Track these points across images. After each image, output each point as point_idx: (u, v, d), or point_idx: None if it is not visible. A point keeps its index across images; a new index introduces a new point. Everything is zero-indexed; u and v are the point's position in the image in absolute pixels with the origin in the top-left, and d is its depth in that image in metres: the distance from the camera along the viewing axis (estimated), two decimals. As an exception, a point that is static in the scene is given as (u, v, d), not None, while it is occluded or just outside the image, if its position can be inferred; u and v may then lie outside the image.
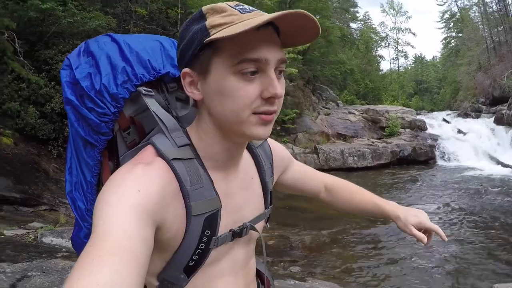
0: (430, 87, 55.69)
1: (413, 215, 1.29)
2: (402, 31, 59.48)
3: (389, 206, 1.35)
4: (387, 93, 43.55)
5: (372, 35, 50.27)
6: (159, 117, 0.95)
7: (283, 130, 17.28)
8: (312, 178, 1.40)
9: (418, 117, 22.17)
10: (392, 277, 5.54)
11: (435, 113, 26.41)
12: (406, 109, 23.37)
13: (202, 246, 0.89)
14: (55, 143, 10.50)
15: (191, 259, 0.90)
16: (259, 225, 1.08)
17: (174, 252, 0.89)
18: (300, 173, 1.34)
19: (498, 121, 21.08)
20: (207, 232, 0.89)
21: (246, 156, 1.07)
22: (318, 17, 23.63)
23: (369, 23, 52.85)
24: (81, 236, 1.08)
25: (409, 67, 65.59)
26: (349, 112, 21.38)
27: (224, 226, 0.94)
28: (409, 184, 12.83)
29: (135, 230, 0.71)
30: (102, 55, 1.05)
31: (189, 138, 0.93)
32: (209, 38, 0.79)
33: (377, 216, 1.40)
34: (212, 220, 0.90)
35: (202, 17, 0.85)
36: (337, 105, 24.40)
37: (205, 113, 0.91)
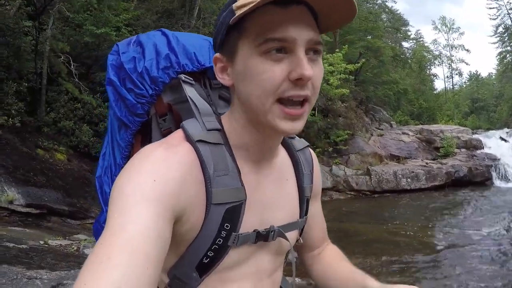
0: (486, 105, 53.49)
1: None
2: (456, 48, 57.61)
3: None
4: (442, 113, 42.18)
5: (425, 54, 49.02)
6: (193, 101, 0.95)
7: (335, 152, 17.01)
8: (321, 227, 1.23)
9: (474, 136, 21.21)
10: None
11: (492, 131, 25.10)
12: (462, 128, 22.51)
13: (219, 241, 0.82)
14: None
15: (205, 255, 0.83)
16: (291, 235, 0.99)
17: (188, 245, 0.83)
18: (317, 211, 1.18)
19: (558, 138, 19.81)
20: (227, 226, 0.82)
21: (284, 156, 1.02)
22: (369, 37, 23.50)
23: (422, 41, 51.75)
24: (101, 220, 1.08)
25: (464, 85, 63.55)
26: (403, 133, 20.81)
27: (248, 223, 0.87)
28: (465, 206, 12.18)
29: (150, 225, 0.67)
30: (149, 43, 1.08)
31: (221, 125, 0.90)
32: (232, 18, 0.76)
33: None
34: (234, 213, 0.83)
35: (231, 2, 0.81)
36: (391, 125, 23.86)
37: (236, 101, 0.88)
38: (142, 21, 14.49)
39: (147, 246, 0.65)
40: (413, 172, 15.32)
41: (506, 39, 48.97)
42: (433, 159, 17.97)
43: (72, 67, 10.73)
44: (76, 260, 4.86)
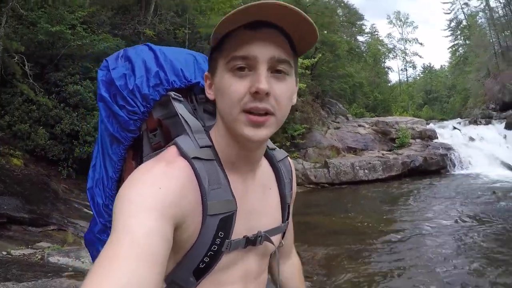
0: (439, 96, 55.21)
1: None
2: (409, 41, 59.25)
3: None
4: (396, 105, 43.43)
5: (380, 47, 50.16)
6: (184, 119, 1.00)
7: (293, 146, 17.20)
8: (291, 235, 1.30)
9: (428, 126, 22.08)
10: (404, 284, 5.43)
11: (445, 122, 26.12)
12: (416, 119, 23.29)
13: (214, 248, 0.89)
14: (65, 164, 10.69)
15: (202, 261, 0.89)
16: (275, 239, 1.08)
17: (186, 253, 0.88)
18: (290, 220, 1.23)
19: (509, 126, 21.02)
20: (221, 234, 0.89)
21: (266, 166, 1.09)
22: (325, 32, 23.79)
23: (376, 36, 52.83)
24: (95, 231, 1.11)
25: (418, 78, 65.30)
26: (359, 125, 21.27)
27: (238, 230, 0.94)
28: (421, 194, 12.59)
29: (155, 227, 0.72)
30: (138, 59, 1.13)
31: (211, 141, 0.96)
32: (210, 39, 0.86)
33: None
34: (226, 222, 0.90)
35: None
36: (347, 118, 24.25)
37: (218, 115, 0.95)
38: (97, 18, 14.16)
39: (153, 247, 0.69)
40: (370, 163, 15.67)
41: (458, 33, 50.94)
42: (389, 150, 18.50)
43: (26, 67, 10.33)
44: (42, 270, 4.75)
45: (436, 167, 16.69)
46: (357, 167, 15.46)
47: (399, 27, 59.41)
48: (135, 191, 0.78)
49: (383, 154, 17.38)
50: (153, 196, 0.77)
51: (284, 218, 1.11)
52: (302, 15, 0.80)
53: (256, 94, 0.82)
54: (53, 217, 8.03)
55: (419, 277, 5.60)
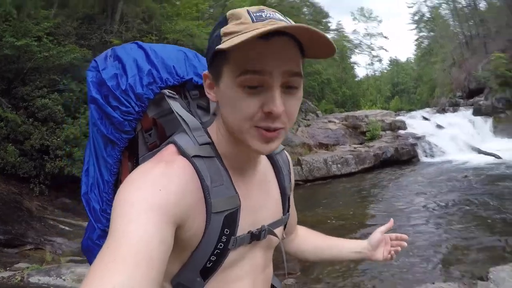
0: (407, 88, 56.43)
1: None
2: (375, 36, 60.25)
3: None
4: (365, 99, 44.09)
5: (346, 43, 50.81)
6: (181, 117, 0.98)
7: (264, 146, 17.15)
8: (294, 216, 1.34)
9: (398, 118, 22.28)
10: (387, 274, 5.52)
11: (413, 112, 26.62)
12: (385, 111, 23.54)
13: (220, 246, 0.88)
14: (37, 181, 10.38)
15: (209, 260, 0.89)
16: (278, 231, 1.08)
17: (192, 252, 0.88)
18: (291, 202, 1.24)
19: (476, 112, 21.60)
20: (226, 231, 0.89)
21: (264, 160, 1.09)
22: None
23: (342, 32, 53.48)
24: (94, 237, 1.08)
25: (385, 71, 66.47)
26: (329, 121, 21.28)
27: (243, 226, 0.94)
28: (394, 184, 12.74)
29: (153, 231, 0.71)
30: (129, 59, 1.09)
31: (210, 138, 0.95)
32: (217, 47, 0.78)
33: (353, 257, 1.42)
34: (231, 219, 0.89)
35: (225, 22, 0.84)
36: (317, 115, 24.23)
37: (221, 118, 0.93)
38: (63, 29, 13.82)
39: (151, 250, 0.68)
40: (342, 157, 15.66)
41: (422, 25, 52.09)
42: (361, 143, 18.57)
43: (-8, 83, 10.05)
44: (23, 292, 4.68)
45: (407, 156, 16.90)
46: (330, 163, 15.47)
47: (363, 22, 60.42)
48: (134, 193, 0.77)
49: (355, 148, 17.46)
50: (153, 198, 0.76)
51: (285, 210, 1.12)
52: (321, 34, 0.77)
53: (269, 114, 0.80)
54: (28, 236, 7.84)
55: (398, 265, 5.69)
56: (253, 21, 0.78)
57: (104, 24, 15.81)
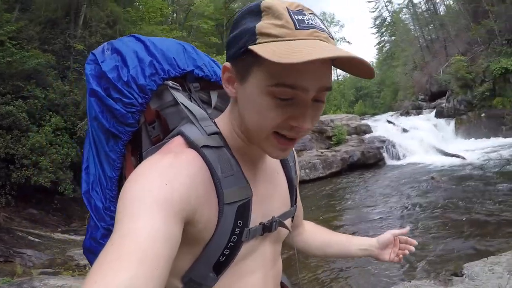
0: (370, 92, 57.67)
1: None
2: (338, 40, 61.29)
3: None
4: (329, 103, 44.61)
5: (309, 48, 51.39)
6: (187, 107, 0.96)
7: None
8: (300, 209, 1.31)
9: (363, 122, 22.64)
10: (363, 274, 5.63)
11: (378, 116, 27.15)
12: (350, 115, 23.79)
13: (234, 238, 0.85)
14: (2, 191, 9.94)
15: (222, 253, 0.85)
16: (287, 223, 1.05)
17: (204, 247, 0.84)
18: (298, 196, 1.21)
19: (439, 115, 22.37)
20: (240, 223, 0.85)
21: None
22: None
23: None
24: (97, 237, 1.03)
25: (348, 76, 67.65)
26: (296, 126, 21.42)
27: (255, 218, 0.91)
28: (362, 187, 12.84)
29: (160, 227, 0.67)
30: (129, 50, 1.06)
31: (217, 128, 0.91)
32: (251, 47, 0.74)
33: (360, 254, 1.38)
34: (244, 210, 0.87)
35: (258, 13, 0.77)
36: (283, 121, 24.46)
37: (236, 110, 0.88)
38: (25, 33, 13.20)
39: (156, 248, 0.65)
40: (310, 162, 15.66)
41: (383, 30, 53.50)
42: (327, 148, 18.61)
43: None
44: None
45: (374, 160, 17.05)
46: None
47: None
48: (140, 187, 0.72)
49: (322, 153, 17.43)
50: (160, 192, 0.72)
51: (293, 202, 1.10)
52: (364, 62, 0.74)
53: (296, 128, 0.79)
54: (-1, 249, 7.50)
55: (375, 265, 5.69)
56: (296, 27, 0.73)
57: (67, 29, 15.33)
